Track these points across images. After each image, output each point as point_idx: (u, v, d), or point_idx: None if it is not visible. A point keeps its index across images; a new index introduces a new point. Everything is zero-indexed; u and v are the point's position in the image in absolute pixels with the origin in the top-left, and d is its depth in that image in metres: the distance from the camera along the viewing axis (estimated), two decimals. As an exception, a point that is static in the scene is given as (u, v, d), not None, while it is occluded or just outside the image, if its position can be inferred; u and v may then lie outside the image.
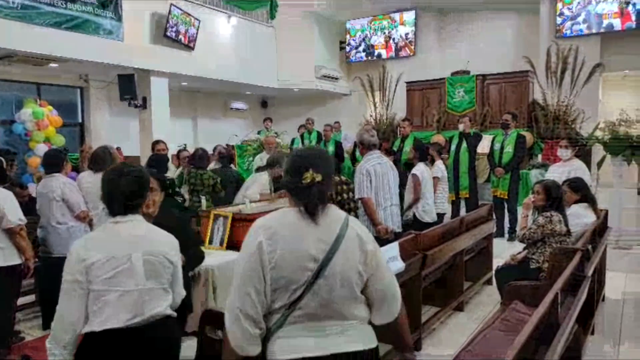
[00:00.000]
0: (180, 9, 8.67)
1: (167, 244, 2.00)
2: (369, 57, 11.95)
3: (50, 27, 6.90)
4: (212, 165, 6.43)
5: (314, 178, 1.53)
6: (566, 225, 3.79)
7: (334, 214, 1.59)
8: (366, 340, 1.57)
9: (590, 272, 3.08)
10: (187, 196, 5.23)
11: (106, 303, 1.80)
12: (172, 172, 6.24)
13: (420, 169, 5.30)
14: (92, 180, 4.20)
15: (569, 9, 9.18)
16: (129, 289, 1.83)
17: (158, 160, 5.05)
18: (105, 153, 4.34)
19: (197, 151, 5.61)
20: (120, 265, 1.83)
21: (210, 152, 6.43)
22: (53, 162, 4.14)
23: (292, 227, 1.53)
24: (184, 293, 2.09)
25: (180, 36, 8.76)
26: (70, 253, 1.84)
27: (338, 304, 1.51)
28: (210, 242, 4.11)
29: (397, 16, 11.48)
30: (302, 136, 9.61)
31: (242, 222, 4.16)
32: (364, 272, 1.56)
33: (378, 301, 1.59)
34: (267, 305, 1.51)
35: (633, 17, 8.61)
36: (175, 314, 1.99)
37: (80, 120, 9.81)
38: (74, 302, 1.79)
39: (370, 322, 1.61)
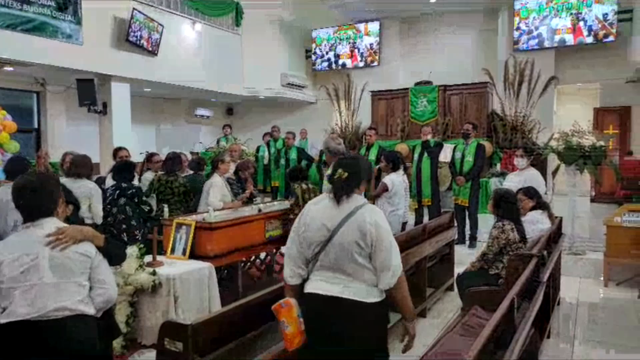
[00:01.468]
0: (143, 14, 8.51)
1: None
2: (335, 67, 12.07)
3: (5, 29, 6.64)
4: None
5: (341, 175, 2.18)
6: (521, 232, 3.90)
7: (354, 201, 2.17)
8: (363, 295, 2.09)
9: (545, 277, 3.19)
10: (154, 205, 5.07)
11: (13, 298, 1.95)
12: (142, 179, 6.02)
13: (390, 177, 5.21)
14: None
15: (525, 23, 9.56)
16: (31, 284, 1.95)
17: (125, 167, 4.90)
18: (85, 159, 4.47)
19: (169, 155, 5.45)
20: (27, 263, 1.97)
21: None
22: (18, 168, 4.00)
23: (321, 207, 2.21)
24: (112, 293, 2.12)
25: (143, 41, 8.59)
26: None
27: (341, 264, 2.11)
28: (173, 251, 4.04)
29: (362, 26, 11.65)
30: (267, 143, 9.58)
31: (205, 230, 4.10)
32: (364, 246, 2.08)
33: (378, 271, 2.10)
34: (304, 254, 2.20)
35: (585, 33, 9.05)
36: (91, 311, 2.04)
37: (36, 126, 9.46)
38: None
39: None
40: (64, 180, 4.32)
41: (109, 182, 4.97)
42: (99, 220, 4.42)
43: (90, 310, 2.05)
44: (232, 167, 5.87)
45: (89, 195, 4.33)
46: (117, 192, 4.62)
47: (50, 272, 1.97)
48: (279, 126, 9.69)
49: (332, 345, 2.07)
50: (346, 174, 2.17)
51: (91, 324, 2.05)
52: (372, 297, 2.10)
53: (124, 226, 4.56)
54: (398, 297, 2.13)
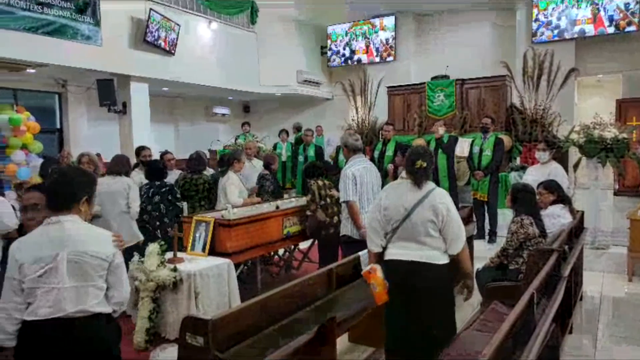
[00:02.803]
0: (160, 14, 8.61)
1: (98, 242, 2.12)
2: (350, 62, 12.03)
3: (27, 32, 6.79)
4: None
5: (422, 165, 2.73)
6: (541, 227, 3.85)
7: (427, 187, 2.75)
8: (431, 259, 2.70)
9: (566, 272, 3.14)
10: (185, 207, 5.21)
11: (36, 297, 2.02)
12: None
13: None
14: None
15: (544, 14, 9.39)
16: (51, 287, 2.01)
17: (156, 167, 5.09)
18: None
19: (192, 155, 5.60)
20: (47, 265, 2.02)
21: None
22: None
23: (400, 190, 2.80)
24: (126, 296, 2.19)
25: (161, 41, 8.70)
26: (9, 254, 2.08)
27: (416, 235, 2.71)
28: (193, 247, 4.09)
29: (377, 21, 11.59)
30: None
31: (224, 227, 4.15)
32: (437, 221, 2.69)
33: (448, 240, 2.72)
34: (384, 229, 2.81)
35: (606, 23, 8.84)
36: (109, 310, 2.12)
37: (58, 126, 9.65)
38: (8, 294, 2.04)
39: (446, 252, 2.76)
40: (102, 178, 4.50)
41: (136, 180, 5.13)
42: (136, 216, 4.64)
43: (107, 309, 2.12)
44: (247, 165, 5.92)
45: (127, 191, 4.56)
46: (152, 190, 4.82)
47: (68, 276, 2.02)
48: (301, 123, 9.70)
49: (414, 297, 2.68)
50: (425, 164, 2.72)
51: (107, 323, 2.12)
52: (442, 260, 2.72)
53: (157, 223, 4.74)
54: (463, 259, 2.80)
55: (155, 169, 5.05)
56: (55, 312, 2.00)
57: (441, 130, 7.07)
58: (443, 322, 2.75)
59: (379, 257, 2.84)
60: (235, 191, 5.07)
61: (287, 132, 9.94)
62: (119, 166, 4.70)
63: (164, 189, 4.86)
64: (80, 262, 2.04)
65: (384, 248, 2.84)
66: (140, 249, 4.13)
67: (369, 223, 2.92)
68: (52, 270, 2.01)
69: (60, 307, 2.00)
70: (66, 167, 2.15)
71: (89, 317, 2.05)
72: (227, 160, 5.40)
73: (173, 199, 4.89)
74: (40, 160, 6.40)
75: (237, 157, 5.32)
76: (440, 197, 2.73)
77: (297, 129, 10.48)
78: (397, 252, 2.76)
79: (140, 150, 5.87)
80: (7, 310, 2.01)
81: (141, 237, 4.61)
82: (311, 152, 8.91)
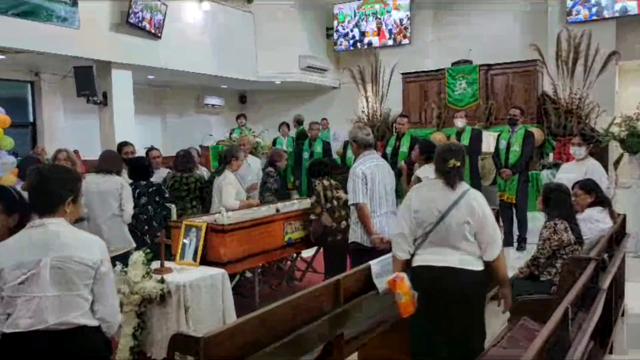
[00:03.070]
0: (145, -7, 8.64)
1: (84, 247, 2.16)
2: (360, 46, 12.03)
3: (-5, 14, 6.84)
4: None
5: (455, 164, 2.85)
6: (577, 233, 3.83)
7: (461, 187, 2.88)
8: (467, 264, 2.81)
9: (606, 284, 3.13)
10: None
11: (16, 307, 2.05)
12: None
13: (424, 171, 5.20)
14: None
15: (581, -10, 9.35)
16: (32, 296, 2.05)
17: (140, 165, 5.10)
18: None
19: (179, 152, 5.66)
20: (29, 272, 2.05)
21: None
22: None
23: (432, 191, 2.93)
24: (111, 312, 2.21)
25: (145, 23, 8.72)
26: None
27: (451, 240, 2.82)
28: (182, 256, 4.11)
29: (390, 0, 11.58)
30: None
31: (218, 233, 4.16)
32: (472, 224, 2.80)
33: (485, 245, 2.84)
34: (414, 234, 2.90)
35: (651, 0, 8.79)
36: (95, 323, 2.15)
37: (31, 120, 9.71)
38: None
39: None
40: (90, 177, 4.53)
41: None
42: (129, 220, 4.64)
43: (93, 322, 2.15)
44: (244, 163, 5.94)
45: (119, 191, 4.55)
46: (137, 191, 4.84)
47: (51, 284, 2.06)
48: (302, 116, 9.69)
49: (447, 307, 2.78)
50: (459, 163, 2.85)
51: (94, 336, 2.16)
52: (478, 265, 2.84)
53: (145, 227, 4.76)
54: (500, 266, 2.90)
55: (140, 167, 5.07)
56: (36, 323, 2.03)
57: (461, 123, 7.05)
58: (476, 333, 2.89)
59: (405, 265, 2.94)
60: (232, 192, 5.09)
61: (288, 126, 9.96)
62: (109, 163, 4.69)
63: (151, 189, 4.90)
64: (65, 268, 2.08)
65: (411, 255, 2.93)
66: (125, 257, 4.16)
67: (396, 229, 3.02)
68: (34, 277, 2.05)
69: (41, 318, 2.04)
70: (48, 166, 2.22)
71: (72, 330, 2.08)
72: (224, 158, 5.44)
73: (162, 200, 4.92)
74: (11, 158, 6.44)
75: (235, 154, 5.34)
76: (476, 198, 2.87)
77: (298, 122, 10.45)
78: (428, 257, 2.86)
79: (121, 146, 5.89)
80: None
81: (134, 244, 4.63)
82: (318, 148, 8.87)
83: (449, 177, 2.86)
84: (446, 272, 2.80)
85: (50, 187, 2.18)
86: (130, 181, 5.00)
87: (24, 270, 2.05)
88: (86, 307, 2.14)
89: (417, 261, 2.90)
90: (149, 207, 4.84)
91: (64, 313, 2.07)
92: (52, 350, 2.05)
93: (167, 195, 5.04)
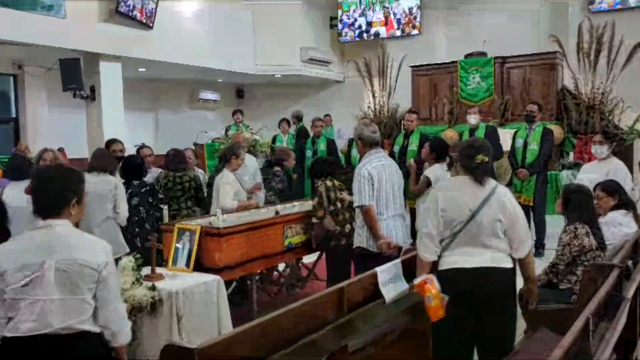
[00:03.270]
0: (136, -21, 8.66)
1: (89, 250, 2.24)
2: (366, 37, 12.03)
3: (-24, 2, 6.88)
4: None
5: (483, 160, 2.94)
6: (599, 237, 3.83)
7: (490, 183, 2.99)
8: (499, 262, 2.94)
9: (630, 293, 3.13)
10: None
11: (18, 311, 2.12)
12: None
13: (434, 170, 5.24)
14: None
15: (603, -23, 9.35)
16: (36, 299, 2.11)
17: (132, 163, 5.12)
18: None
19: (169, 152, 5.70)
20: (32, 274, 2.12)
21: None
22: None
23: (460, 189, 3.01)
24: (113, 318, 2.26)
25: (136, 12, 8.74)
26: None
27: (482, 238, 2.92)
28: (175, 262, 4.11)
29: (399, -13, 11.59)
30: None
31: (213, 237, 4.17)
32: (504, 221, 2.92)
33: (514, 242, 2.97)
34: (442, 234, 2.97)
35: (680, -13, 8.79)
36: (97, 329, 2.22)
37: (13, 115, 9.75)
38: None
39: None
40: (85, 176, 4.54)
41: None
42: (124, 222, 4.66)
43: (95, 328, 2.23)
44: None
45: (114, 192, 4.57)
46: (129, 191, 4.86)
47: (56, 287, 2.13)
48: (302, 112, 9.69)
49: (480, 309, 2.88)
50: (487, 159, 2.96)
51: (96, 342, 2.23)
52: (508, 263, 2.98)
53: (136, 229, 4.77)
54: (529, 262, 3.06)
55: (132, 165, 5.09)
56: (40, 327, 2.10)
57: (474, 120, 7.04)
58: (509, 333, 3.05)
59: (432, 267, 3.01)
60: (229, 192, 5.10)
61: (288, 122, 9.97)
62: (104, 161, 4.71)
63: (143, 189, 4.91)
64: (70, 271, 2.15)
65: (438, 256, 3.03)
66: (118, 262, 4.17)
67: (423, 229, 3.08)
68: (38, 280, 2.12)
69: (46, 322, 2.10)
70: (51, 167, 2.32)
71: (75, 335, 2.15)
72: (224, 156, 5.46)
73: (154, 201, 4.94)
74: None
75: (236, 152, 5.34)
76: (506, 194, 3.01)
77: (298, 118, 10.42)
78: (457, 259, 2.95)
79: (109, 144, 5.89)
80: None
81: (127, 249, 4.63)
82: (322, 145, 8.85)
83: (478, 174, 2.95)
84: (478, 273, 2.89)
85: (55, 189, 2.25)
86: (123, 180, 5.01)
87: (28, 273, 2.11)
88: (89, 313, 2.21)
89: (445, 264, 2.98)
90: (141, 208, 4.85)
91: (68, 317, 2.14)
92: (54, 355, 2.12)
93: (161, 196, 5.05)
